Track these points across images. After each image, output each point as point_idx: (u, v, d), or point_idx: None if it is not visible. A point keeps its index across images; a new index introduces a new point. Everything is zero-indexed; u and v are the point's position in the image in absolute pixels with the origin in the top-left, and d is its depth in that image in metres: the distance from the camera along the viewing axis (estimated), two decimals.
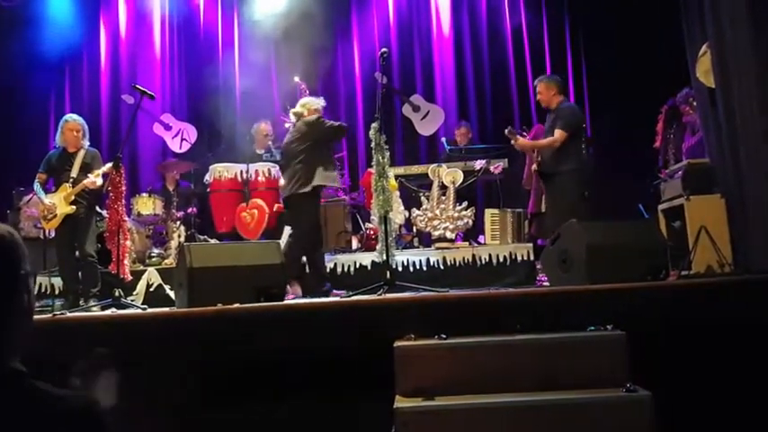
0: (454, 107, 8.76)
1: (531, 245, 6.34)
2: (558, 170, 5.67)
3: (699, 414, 3.00)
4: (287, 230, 6.68)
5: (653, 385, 2.72)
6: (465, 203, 6.51)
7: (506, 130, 6.01)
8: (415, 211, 6.59)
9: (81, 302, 5.39)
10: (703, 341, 3.11)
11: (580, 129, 5.79)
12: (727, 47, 4.88)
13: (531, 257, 6.16)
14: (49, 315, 3.86)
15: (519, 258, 6.13)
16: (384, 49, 5.15)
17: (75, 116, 5.90)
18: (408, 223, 6.81)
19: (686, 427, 2.96)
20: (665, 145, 6.57)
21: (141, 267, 6.40)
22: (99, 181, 5.45)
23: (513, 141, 6.03)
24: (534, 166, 6.10)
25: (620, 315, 3.14)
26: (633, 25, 7.34)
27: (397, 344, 3.01)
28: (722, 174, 5.23)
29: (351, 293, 4.49)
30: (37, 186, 5.70)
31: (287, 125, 7.69)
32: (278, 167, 7.13)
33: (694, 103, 6.01)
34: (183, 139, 8.27)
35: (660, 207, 5.95)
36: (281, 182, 7.10)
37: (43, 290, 6.18)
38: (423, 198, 6.63)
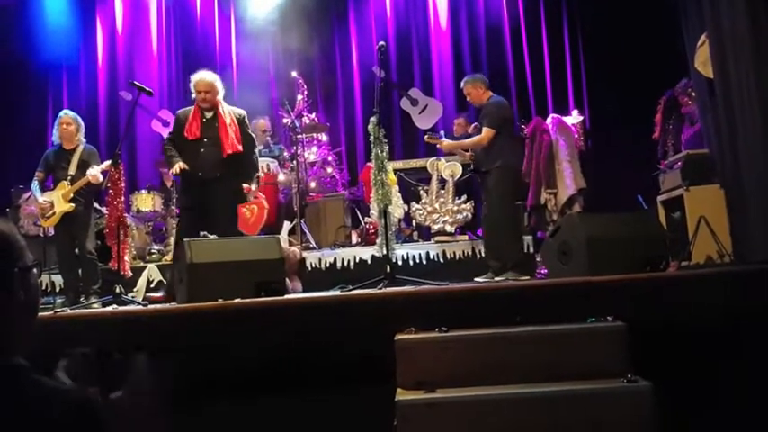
0: (452, 100, 8.74)
1: (530, 237, 6.35)
2: (491, 167, 5.55)
3: (700, 404, 3.01)
4: (286, 225, 6.69)
5: (654, 376, 2.73)
6: (464, 197, 6.52)
7: (426, 137, 5.97)
8: (415, 205, 6.59)
9: (82, 299, 5.40)
10: (703, 332, 3.12)
11: (506, 124, 5.65)
12: (726, 37, 4.87)
13: (531, 250, 6.16)
14: (51, 312, 3.86)
15: None
16: (382, 43, 5.14)
17: (68, 111, 5.95)
18: (408, 217, 6.82)
19: (687, 417, 2.97)
20: (664, 136, 6.57)
21: (141, 264, 6.41)
22: (100, 177, 5.46)
23: (437, 146, 6.03)
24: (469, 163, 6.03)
25: (621, 306, 3.14)
26: (631, 16, 7.33)
27: (398, 337, 3.02)
28: (721, 164, 5.23)
29: (351, 287, 4.49)
30: (34, 185, 5.71)
31: (285, 120, 7.71)
32: (276, 163, 7.13)
33: (693, 94, 6.00)
34: None
35: (659, 198, 5.95)
36: (280, 177, 7.12)
37: (44, 287, 6.20)
38: (422, 192, 6.63)
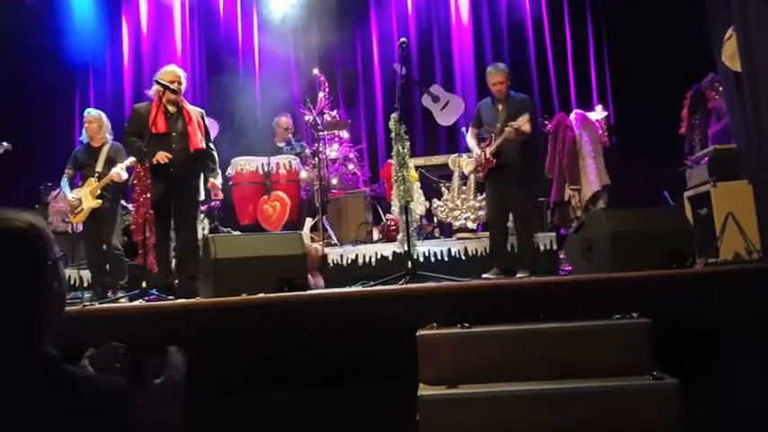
0: (474, 97, 8.70)
1: (554, 234, 6.30)
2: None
3: (726, 402, 2.97)
4: (308, 222, 6.72)
5: (680, 373, 2.70)
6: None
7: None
8: (436, 202, 6.58)
9: (109, 294, 5.48)
10: (731, 329, 3.07)
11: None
12: (753, 30, 4.79)
13: (555, 247, 6.12)
14: (79, 306, 3.92)
15: (542, 248, 6.08)
16: (403, 40, 5.12)
17: (92, 109, 6.05)
18: (429, 214, 6.80)
19: (713, 415, 2.93)
20: (691, 131, 6.49)
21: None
22: (124, 174, 5.53)
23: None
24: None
25: (646, 303, 3.11)
26: (656, 9, 7.23)
27: (420, 333, 3.02)
28: (749, 159, 5.14)
29: (373, 284, 4.50)
30: (64, 182, 5.83)
31: (306, 117, 7.74)
32: (298, 160, 7.17)
33: (720, 88, 5.92)
34: None
35: (686, 194, 5.88)
36: (302, 174, 7.16)
37: (72, 282, 6.29)
38: (443, 188, 6.62)
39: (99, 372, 1.37)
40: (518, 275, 5.24)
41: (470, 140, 5.80)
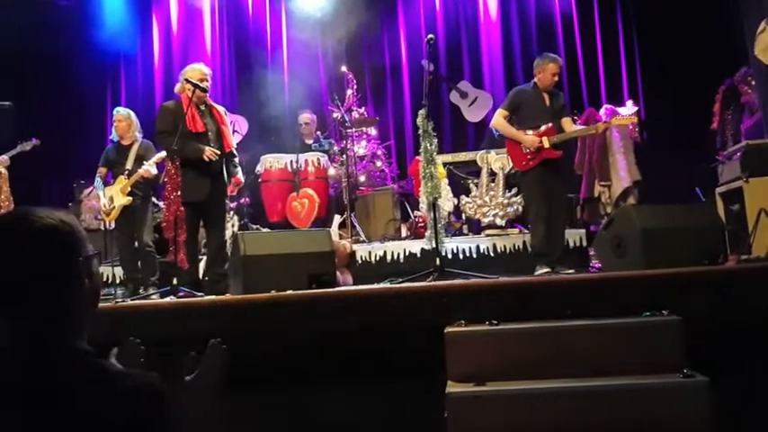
0: (502, 92, 8.64)
1: (583, 230, 6.24)
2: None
3: (756, 401, 2.93)
4: (337, 219, 6.76)
5: (710, 371, 2.66)
6: (515, 190, 6.45)
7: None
8: (464, 198, 6.56)
9: (141, 291, 5.58)
10: (762, 327, 3.02)
11: None
12: None
13: (584, 243, 6.06)
14: (111, 303, 4.00)
15: (571, 244, 6.03)
16: (430, 36, 5.10)
17: (121, 108, 6.14)
18: (457, 210, 6.79)
19: (743, 414, 2.89)
20: (723, 126, 6.38)
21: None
22: (153, 170, 5.62)
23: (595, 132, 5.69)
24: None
25: (677, 300, 3.07)
26: (687, 2, 7.11)
27: (448, 330, 3.02)
28: None
29: (401, 280, 4.51)
30: (97, 181, 5.94)
31: (335, 115, 7.78)
32: (326, 157, 7.21)
33: (753, 83, 5.81)
34: (234, 131, 8.43)
35: (718, 190, 5.78)
36: (331, 171, 7.20)
37: (105, 279, 6.41)
38: (471, 185, 6.60)
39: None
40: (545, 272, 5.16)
41: (504, 123, 5.46)
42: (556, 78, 5.42)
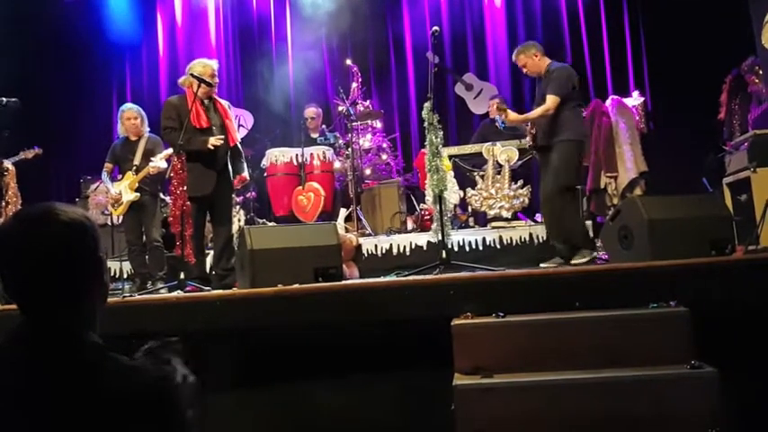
0: (508, 84, 8.64)
1: (590, 222, 6.22)
2: (554, 141, 4.95)
3: (765, 391, 2.92)
4: (342, 212, 6.77)
5: (718, 362, 2.66)
6: (520, 182, 6.44)
7: (498, 102, 5.47)
8: (470, 191, 6.56)
9: (149, 285, 5.60)
10: None
11: (574, 92, 5.04)
12: None
13: (591, 235, 6.05)
14: (119, 297, 4.02)
15: None
16: (435, 28, 5.08)
17: (130, 105, 6.11)
18: (463, 203, 6.78)
19: (751, 404, 2.89)
20: (730, 116, 6.34)
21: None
22: (163, 164, 5.62)
23: (502, 117, 5.38)
24: (528, 141, 5.35)
25: (684, 291, 3.06)
26: None
27: (455, 322, 3.02)
28: None
29: (407, 273, 4.51)
30: (104, 176, 5.95)
31: (340, 108, 7.77)
32: (332, 150, 7.21)
33: (760, 72, 5.77)
34: (239, 125, 8.45)
35: (725, 180, 5.75)
36: (336, 164, 7.20)
37: (113, 273, 6.45)
38: (477, 177, 6.59)
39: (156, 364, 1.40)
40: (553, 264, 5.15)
41: None
42: (524, 70, 5.27)
